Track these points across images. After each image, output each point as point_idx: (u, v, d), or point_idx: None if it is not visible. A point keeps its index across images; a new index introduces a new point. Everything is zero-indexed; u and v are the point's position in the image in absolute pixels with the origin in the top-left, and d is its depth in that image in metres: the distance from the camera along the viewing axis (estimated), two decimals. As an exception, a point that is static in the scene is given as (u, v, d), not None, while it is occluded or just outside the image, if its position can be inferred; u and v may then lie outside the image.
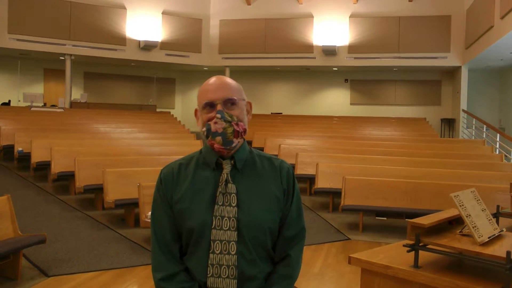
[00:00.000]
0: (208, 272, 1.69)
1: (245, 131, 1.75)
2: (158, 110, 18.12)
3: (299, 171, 9.86)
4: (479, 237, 2.23)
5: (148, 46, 16.37)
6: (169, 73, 20.15)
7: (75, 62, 16.25)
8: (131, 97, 19.30)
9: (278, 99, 19.42)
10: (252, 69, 18.51)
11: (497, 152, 12.11)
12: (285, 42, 16.97)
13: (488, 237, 2.30)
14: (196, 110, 1.83)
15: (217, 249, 1.68)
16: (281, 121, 16.34)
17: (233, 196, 1.71)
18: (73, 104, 15.93)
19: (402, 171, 8.62)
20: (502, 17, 11.07)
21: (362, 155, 10.10)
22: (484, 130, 14.31)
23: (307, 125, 15.22)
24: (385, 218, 7.98)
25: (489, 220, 2.44)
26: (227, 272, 1.68)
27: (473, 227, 2.25)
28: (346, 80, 18.82)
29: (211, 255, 1.68)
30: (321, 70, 18.19)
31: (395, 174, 8.43)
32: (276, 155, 9.90)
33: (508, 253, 2.03)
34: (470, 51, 14.76)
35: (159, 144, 10.93)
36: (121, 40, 16.25)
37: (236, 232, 1.68)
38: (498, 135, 13.28)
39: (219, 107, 1.71)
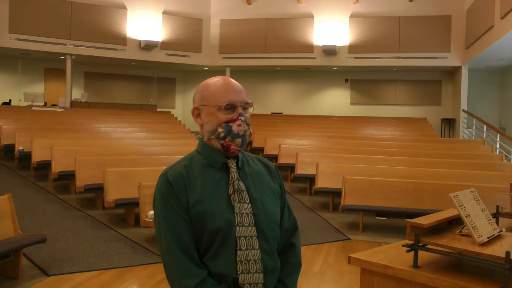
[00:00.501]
0: (238, 269, 1.71)
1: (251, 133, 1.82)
2: (158, 110, 18.11)
3: (299, 171, 9.87)
4: (478, 237, 2.24)
5: (148, 46, 16.39)
6: (170, 73, 20.17)
7: (75, 61, 16.26)
8: (131, 96, 19.32)
9: (279, 99, 19.43)
10: (252, 69, 18.52)
11: (497, 152, 12.11)
12: (285, 42, 16.98)
13: (488, 237, 2.30)
14: (196, 108, 1.85)
15: (243, 245, 1.71)
16: (281, 121, 16.34)
17: (245, 193, 1.77)
18: (74, 104, 15.94)
19: (402, 171, 8.62)
20: (502, 17, 11.07)
21: (362, 155, 10.11)
22: (485, 130, 14.30)
23: (307, 125, 15.23)
24: (385, 218, 7.97)
25: (488, 220, 2.44)
26: (255, 267, 1.72)
27: (472, 227, 2.26)
28: (346, 80, 18.82)
29: (238, 252, 1.71)
30: (322, 70, 18.19)
31: (395, 174, 8.43)
32: (276, 155, 9.84)
33: (507, 253, 2.04)
34: (470, 51, 14.76)
35: (160, 144, 10.94)
36: (122, 40, 16.27)
37: (255, 228, 1.74)
38: (498, 135, 13.28)
39: (240, 109, 1.77)
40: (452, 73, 17.11)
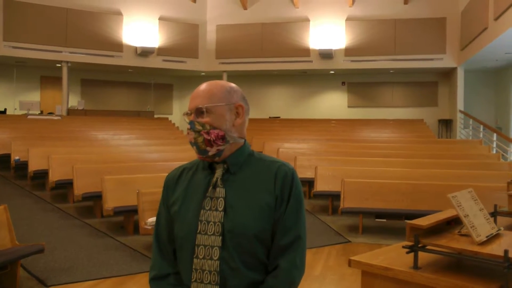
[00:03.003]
0: (192, 277, 1.67)
1: (222, 137, 1.70)
2: (156, 116, 18.11)
3: (298, 174, 9.60)
4: (477, 237, 2.24)
5: (145, 52, 16.39)
6: (167, 79, 20.15)
7: (71, 69, 16.25)
8: (128, 103, 19.28)
9: (276, 103, 19.43)
10: (249, 74, 18.52)
11: (494, 152, 12.13)
12: (282, 46, 17.00)
13: (486, 237, 2.30)
14: None
15: (200, 254, 1.66)
16: (279, 125, 16.36)
17: (221, 200, 1.67)
18: (70, 112, 15.92)
19: (401, 172, 8.64)
20: (496, 19, 11.12)
21: (360, 157, 10.12)
22: (481, 130, 14.33)
23: (305, 128, 15.25)
24: (384, 220, 7.98)
25: (487, 219, 2.45)
26: (209, 278, 1.64)
27: (471, 227, 2.26)
28: (343, 83, 18.84)
29: (195, 260, 1.67)
30: (318, 73, 18.20)
31: (393, 175, 8.44)
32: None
33: (505, 251, 2.04)
34: (465, 52, 14.81)
35: (158, 150, 10.93)
36: (118, 46, 16.26)
37: (220, 238, 1.64)
38: (495, 134, 13.33)
39: (192, 117, 1.74)
40: (448, 74, 17.15)
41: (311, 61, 16.88)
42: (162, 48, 16.90)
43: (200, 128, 1.70)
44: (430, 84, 17.92)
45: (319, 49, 16.54)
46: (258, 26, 17.25)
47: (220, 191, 1.69)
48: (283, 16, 17.19)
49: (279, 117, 18.48)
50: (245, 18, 17.46)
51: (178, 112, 20.37)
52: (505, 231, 2.57)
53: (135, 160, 9.66)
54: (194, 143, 1.71)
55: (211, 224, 1.66)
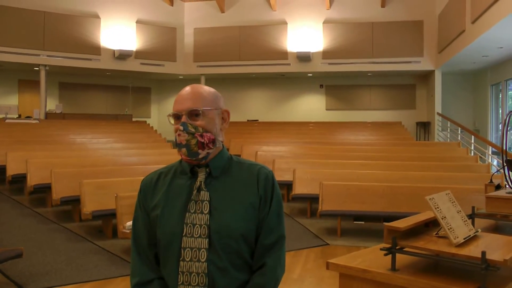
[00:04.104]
0: (179, 280, 1.68)
1: (213, 141, 1.74)
2: (134, 119, 17.98)
3: (277, 177, 9.59)
4: (454, 239, 2.26)
5: (122, 55, 16.27)
6: (145, 82, 20.03)
7: (49, 72, 16.05)
8: (106, 107, 19.13)
9: (254, 106, 19.44)
10: (227, 77, 18.51)
11: (472, 154, 12.29)
12: (259, 49, 17.02)
13: (464, 238, 2.33)
14: None
15: (187, 256, 1.67)
16: (257, 128, 16.37)
17: (206, 203, 1.71)
18: (48, 115, 15.73)
19: (379, 175, 8.70)
20: (473, 22, 11.28)
21: (338, 160, 10.17)
22: (459, 132, 14.51)
23: (284, 131, 15.28)
24: (363, 222, 8.04)
25: (464, 221, 2.48)
26: (197, 280, 1.66)
27: (448, 229, 2.28)
28: (321, 86, 18.92)
29: (181, 263, 1.68)
30: (296, 76, 18.27)
31: (372, 178, 8.50)
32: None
33: (483, 253, 2.07)
34: (443, 55, 14.99)
35: (136, 153, 10.86)
36: (96, 49, 16.12)
37: (207, 240, 1.67)
38: (472, 137, 13.49)
39: (183, 118, 1.72)
40: (426, 77, 17.35)
41: (289, 64, 16.93)
42: (140, 51, 16.80)
43: (193, 130, 1.71)
44: (408, 87, 18.11)
45: (297, 52, 16.62)
46: (236, 29, 17.26)
47: (205, 194, 1.72)
48: (260, 19, 17.22)
49: (257, 120, 18.50)
50: (222, 21, 17.46)
51: (156, 115, 20.25)
52: (482, 232, 2.60)
53: (113, 163, 9.60)
54: (185, 145, 1.71)
55: (197, 227, 1.68)
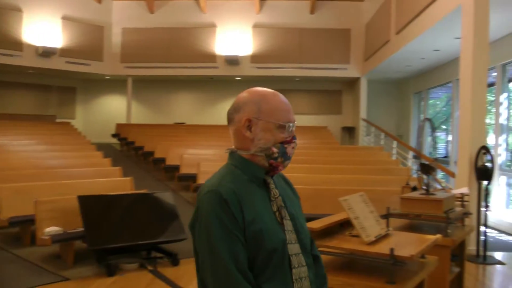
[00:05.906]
0: None
1: None
2: (57, 120, 17.37)
3: (202, 180, 9.80)
4: (366, 237, 2.35)
5: (46, 53, 15.61)
6: (70, 82, 19.31)
7: (-35, 69, 15.21)
8: (28, 106, 18.28)
9: (182, 108, 19.27)
10: (155, 78, 18.21)
11: (394, 158, 12.73)
12: (188, 52, 16.91)
13: (375, 237, 2.42)
14: (249, 120, 1.84)
15: (296, 263, 1.66)
16: (184, 131, 16.26)
17: (285, 210, 1.71)
18: (-36, 115, 14.92)
19: (303, 178, 8.83)
20: (398, 33, 11.73)
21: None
22: (382, 137, 15.01)
23: (211, 134, 15.24)
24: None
25: (376, 221, 2.57)
26: (307, 284, 1.68)
27: (360, 228, 2.36)
28: (249, 90, 18.99)
29: (294, 271, 1.65)
30: (225, 79, 18.27)
31: (296, 181, 8.49)
32: (178, 165, 9.57)
33: (391, 250, 2.16)
34: (368, 63, 15.49)
35: (59, 156, 10.48)
36: (17, 45, 15.31)
37: (298, 244, 1.70)
38: (395, 142, 13.99)
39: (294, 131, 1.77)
40: (352, 83, 17.84)
41: (217, 67, 16.91)
42: (65, 49, 16.19)
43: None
44: (334, 93, 18.56)
45: (226, 55, 16.65)
46: (165, 30, 17.07)
47: (281, 201, 1.73)
48: (190, 21, 17.12)
49: (184, 123, 18.37)
50: (151, 22, 17.22)
51: (81, 116, 19.58)
52: (393, 231, 2.71)
53: (35, 167, 9.17)
54: (290, 157, 1.76)
55: (290, 233, 1.68)
